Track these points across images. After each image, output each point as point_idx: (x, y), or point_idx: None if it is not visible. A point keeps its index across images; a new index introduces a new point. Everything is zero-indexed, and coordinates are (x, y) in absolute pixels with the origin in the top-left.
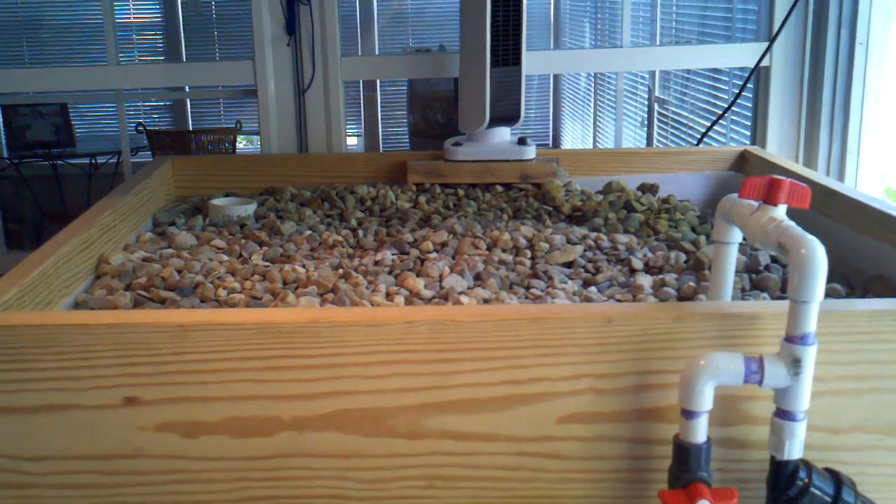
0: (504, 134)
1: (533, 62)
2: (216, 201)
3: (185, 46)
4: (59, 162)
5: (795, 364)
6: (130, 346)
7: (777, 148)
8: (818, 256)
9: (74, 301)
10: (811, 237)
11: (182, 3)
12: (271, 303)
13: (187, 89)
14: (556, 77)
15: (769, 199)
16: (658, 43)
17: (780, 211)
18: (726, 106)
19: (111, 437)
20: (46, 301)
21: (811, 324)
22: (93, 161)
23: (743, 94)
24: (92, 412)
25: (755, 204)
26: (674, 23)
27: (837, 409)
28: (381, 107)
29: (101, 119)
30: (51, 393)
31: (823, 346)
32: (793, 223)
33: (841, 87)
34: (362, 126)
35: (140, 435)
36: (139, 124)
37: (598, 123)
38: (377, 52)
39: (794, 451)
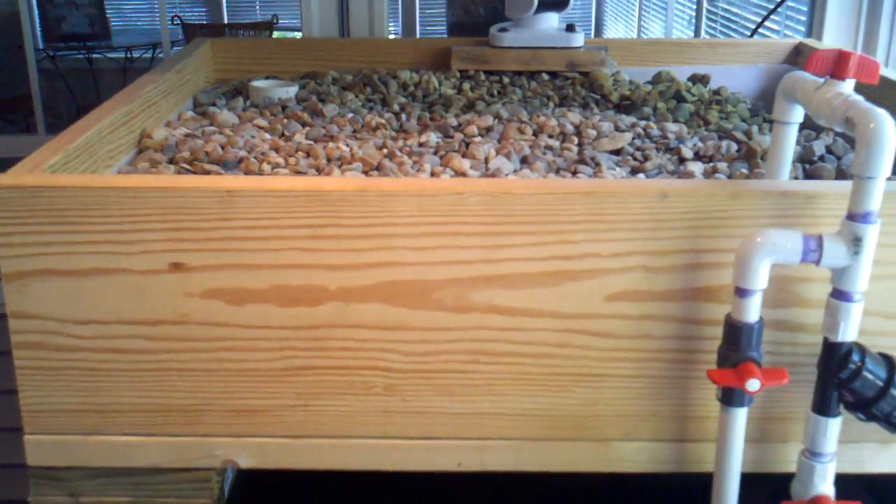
0: (552, 20)
1: None
2: (257, 83)
3: None
4: (94, 55)
5: (856, 242)
6: (177, 211)
7: (834, 42)
8: (887, 130)
9: (118, 172)
10: (881, 110)
11: None
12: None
13: None
14: None
15: (837, 73)
16: None
17: (848, 86)
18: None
19: (158, 302)
20: (91, 170)
21: (875, 201)
22: (128, 55)
23: None
24: (139, 277)
25: (821, 80)
26: None
27: (894, 295)
28: (419, 2)
29: (136, 12)
30: (98, 256)
31: (883, 228)
32: (861, 98)
33: None
34: (399, 21)
35: (186, 301)
36: (175, 16)
37: (642, 21)
38: None
39: (849, 333)
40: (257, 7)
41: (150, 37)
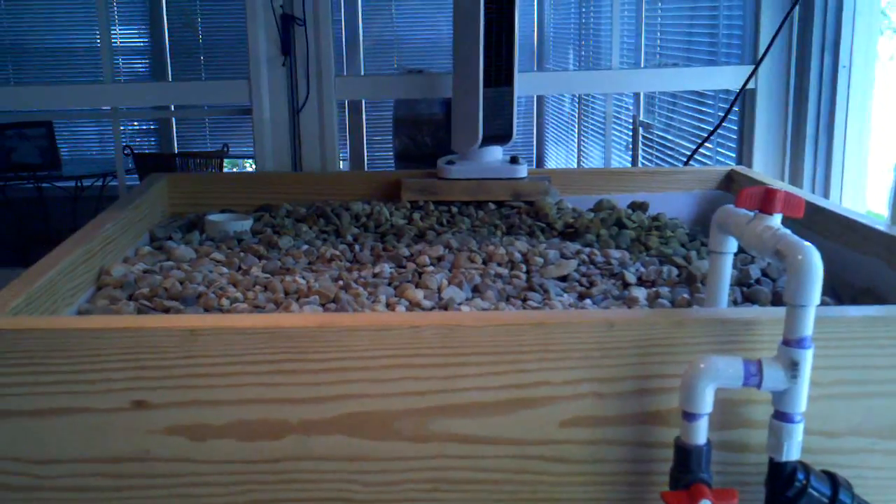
0: (496, 153)
1: (523, 83)
2: (212, 217)
3: (172, 72)
4: (44, 185)
5: (793, 367)
6: (140, 351)
7: (763, 168)
8: (814, 261)
9: (78, 311)
10: (807, 243)
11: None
12: (275, 312)
13: (172, 108)
14: (540, 101)
15: (765, 208)
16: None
17: (776, 220)
18: (711, 130)
19: (119, 440)
20: (52, 310)
21: (808, 327)
22: (78, 184)
23: (728, 116)
24: (101, 415)
25: (751, 214)
26: (658, 48)
27: (833, 413)
28: (367, 131)
29: (87, 142)
30: (60, 396)
31: (819, 350)
32: (788, 231)
33: (825, 109)
34: (348, 150)
35: (148, 438)
36: (126, 147)
37: (582, 147)
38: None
39: (792, 452)
40: (207, 136)
41: (100, 166)
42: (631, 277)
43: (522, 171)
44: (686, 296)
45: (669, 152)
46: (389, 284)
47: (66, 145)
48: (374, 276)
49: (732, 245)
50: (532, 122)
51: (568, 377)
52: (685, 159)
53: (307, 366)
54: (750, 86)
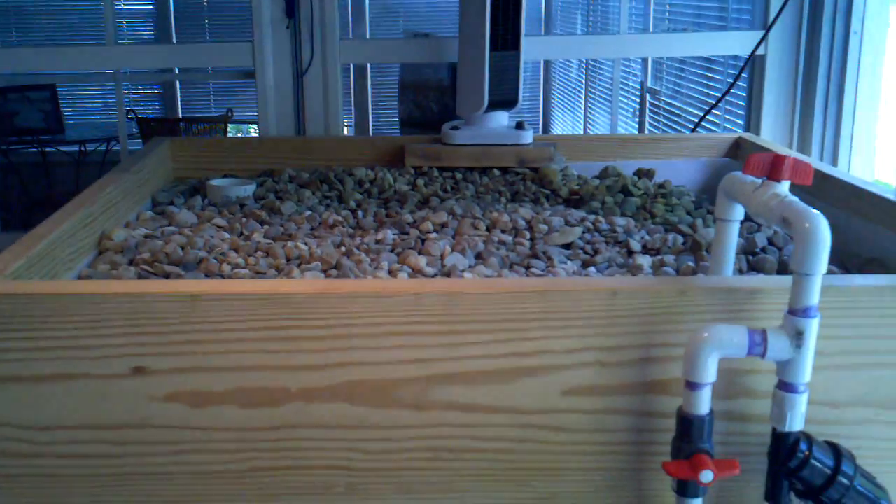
0: (502, 118)
1: (530, 47)
2: (215, 182)
3: (176, 34)
4: (47, 149)
5: (798, 336)
6: (140, 316)
7: (771, 136)
8: (822, 229)
9: (78, 276)
10: (815, 211)
11: None
12: (276, 278)
13: (177, 71)
14: (547, 66)
15: (773, 175)
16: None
17: (784, 187)
18: (719, 96)
19: (119, 406)
20: (52, 274)
21: (814, 296)
22: (82, 148)
23: (737, 82)
24: (100, 382)
25: (758, 181)
26: (667, 13)
27: (837, 384)
28: (372, 96)
29: (90, 106)
30: (60, 362)
31: (824, 320)
32: (796, 198)
33: (835, 75)
34: (353, 115)
35: (148, 405)
36: (130, 111)
37: (588, 113)
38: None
39: (796, 423)
40: (211, 101)
41: (103, 131)
42: (636, 245)
43: (528, 136)
44: (691, 264)
45: (677, 119)
46: (392, 251)
47: (70, 109)
48: (377, 242)
49: (739, 212)
50: (539, 87)
51: (571, 346)
52: (693, 126)
53: (308, 332)
54: (760, 52)
